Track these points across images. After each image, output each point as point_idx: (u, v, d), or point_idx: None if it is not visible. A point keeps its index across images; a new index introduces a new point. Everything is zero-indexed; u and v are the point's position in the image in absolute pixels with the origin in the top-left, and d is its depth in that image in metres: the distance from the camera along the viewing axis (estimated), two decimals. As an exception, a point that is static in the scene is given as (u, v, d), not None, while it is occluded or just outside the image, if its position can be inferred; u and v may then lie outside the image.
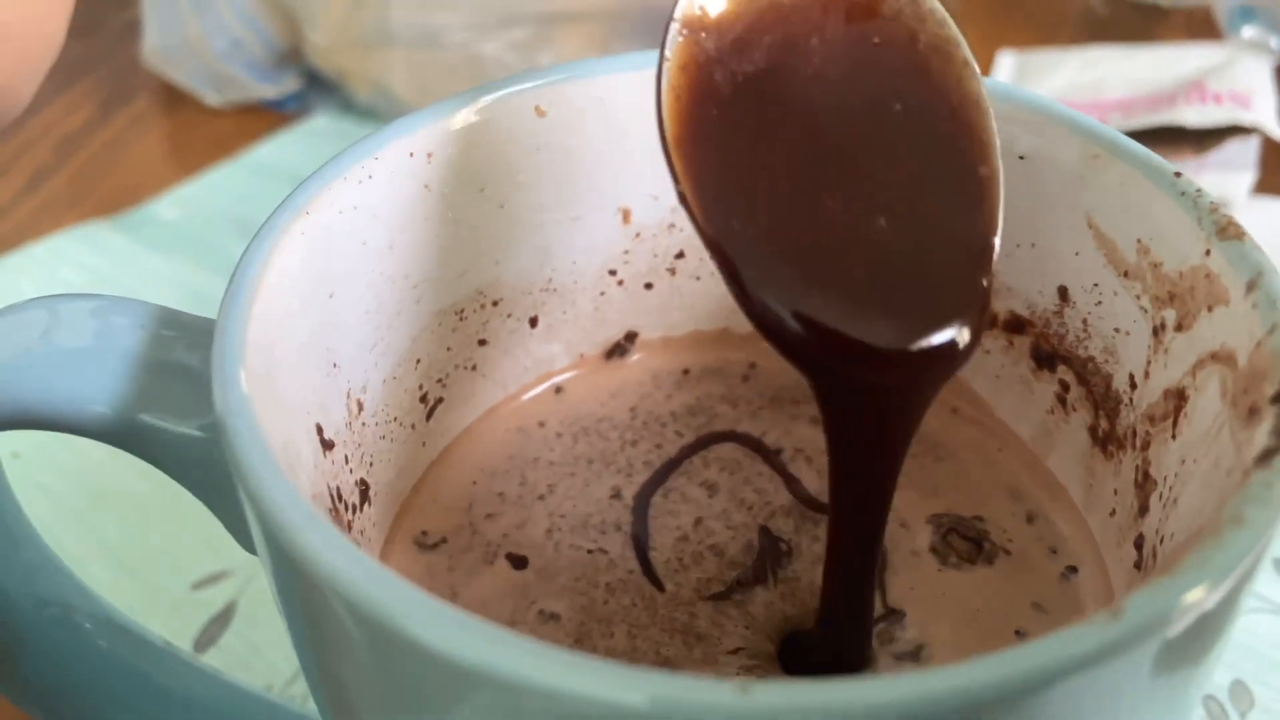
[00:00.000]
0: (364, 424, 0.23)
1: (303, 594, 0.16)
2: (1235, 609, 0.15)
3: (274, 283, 0.19)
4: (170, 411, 0.20)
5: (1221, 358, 0.19)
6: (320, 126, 0.59)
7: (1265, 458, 0.16)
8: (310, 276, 0.20)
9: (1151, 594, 0.14)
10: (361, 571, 0.15)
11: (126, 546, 0.37)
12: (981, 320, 0.18)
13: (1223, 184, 0.47)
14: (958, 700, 0.13)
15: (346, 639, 0.16)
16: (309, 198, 0.21)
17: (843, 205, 0.19)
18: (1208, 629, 0.15)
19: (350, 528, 0.22)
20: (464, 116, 0.23)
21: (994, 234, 0.18)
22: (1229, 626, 0.15)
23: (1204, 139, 0.49)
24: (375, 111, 0.58)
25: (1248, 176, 0.47)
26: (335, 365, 0.21)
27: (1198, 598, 0.14)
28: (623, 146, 0.26)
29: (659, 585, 0.24)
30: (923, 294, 0.18)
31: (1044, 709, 0.13)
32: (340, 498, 0.21)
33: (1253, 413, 0.17)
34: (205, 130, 0.59)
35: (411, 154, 0.23)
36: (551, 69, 0.24)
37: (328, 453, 0.21)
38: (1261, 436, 0.16)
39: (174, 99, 0.61)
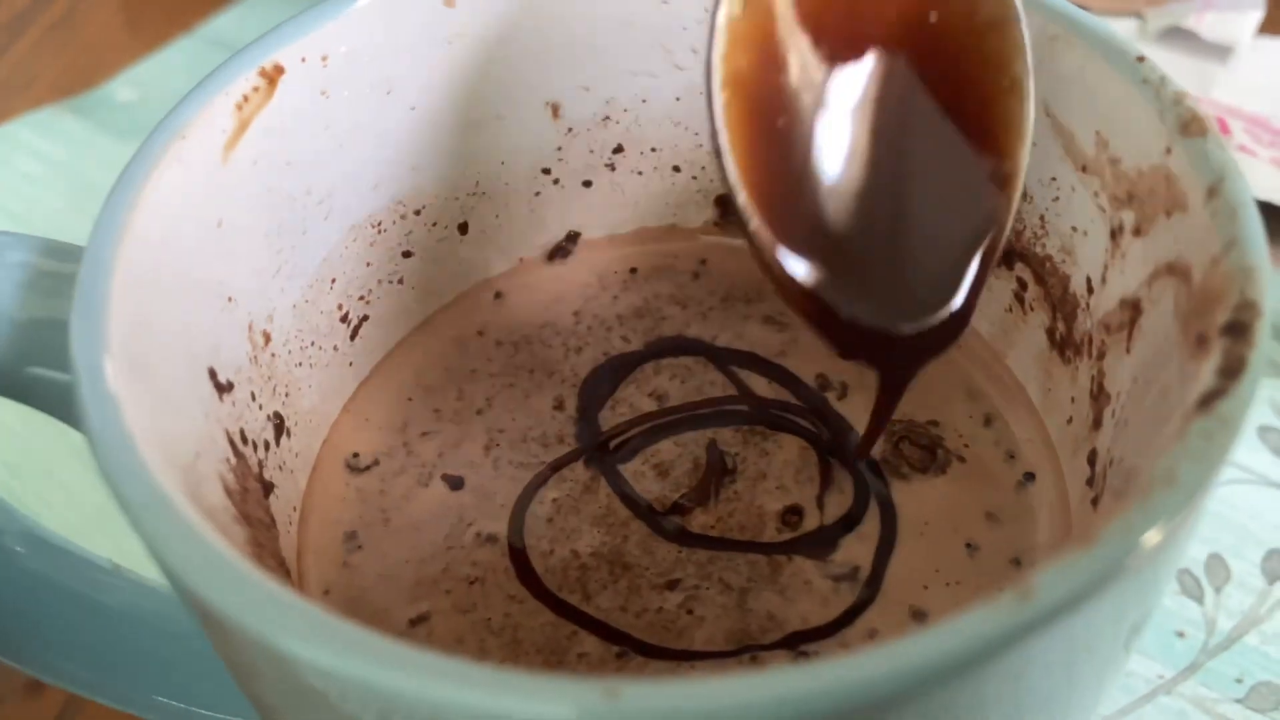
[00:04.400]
0: (273, 355, 0.21)
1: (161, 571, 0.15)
2: (1167, 573, 0.14)
3: (144, 222, 0.18)
4: (57, 361, 0.19)
5: (1178, 271, 0.17)
6: (279, -9, 0.56)
7: (1207, 401, 0.14)
8: (190, 207, 0.19)
9: (1065, 570, 0.13)
10: (198, 557, 0.14)
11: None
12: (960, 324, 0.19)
13: (1228, 24, 0.43)
14: (837, 700, 0.12)
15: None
16: (185, 120, 0.19)
17: (866, 185, 0.20)
18: (1133, 598, 0.13)
19: (262, 467, 0.21)
20: (360, 13, 0.21)
21: (1003, 226, 0.19)
22: (1160, 589, 0.14)
23: (1212, -27, 0.45)
24: (333, -26, 0.55)
25: (1256, 15, 0.44)
26: (230, 299, 0.20)
27: (1118, 572, 0.13)
28: (547, 34, 0.23)
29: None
30: (912, 283, 0.20)
31: (943, 704, 0.12)
32: (245, 440, 0.20)
33: (1201, 342, 0.15)
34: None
35: (304, 59, 0.21)
36: (459, -48, 0.22)
37: (225, 396, 0.19)
38: (1207, 374, 0.15)
39: (124, -33, 0.58)
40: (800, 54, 0.19)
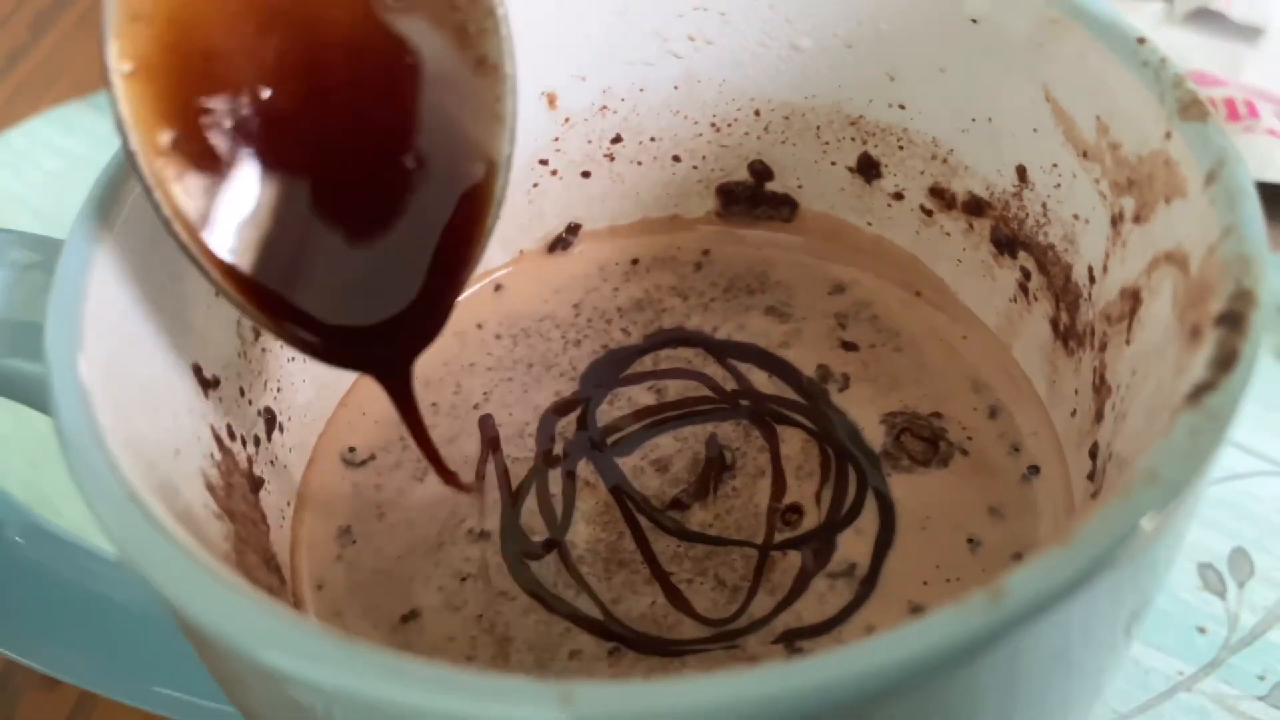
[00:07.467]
0: (264, 350, 0.21)
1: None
2: (1162, 562, 0.14)
3: (127, 214, 0.18)
4: (38, 354, 0.19)
5: (1176, 259, 0.17)
6: (298, -15, 0.56)
7: (1197, 395, 0.14)
8: (174, 202, 0.19)
9: (1040, 571, 0.12)
10: (168, 560, 0.13)
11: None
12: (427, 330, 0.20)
13: (1257, 5, 0.42)
14: (797, 703, 0.11)
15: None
16: (167, 114, 0.19)
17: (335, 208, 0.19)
18: (1120, 592, 0.13)
19: (252, 462, 0.21)
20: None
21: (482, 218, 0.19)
22: (1158, 577, 0.14)
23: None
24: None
25: (1289, -5, 0.43)
26: (216, 294, 0.20)
27: (1096, 572, 0.12)
28: (541, 23, 0.23)
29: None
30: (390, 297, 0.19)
31: (932, 698, 0.12)
32: (232, 435, 0.20)
33: (1195, 333, 0.15)
34: (181, -4, 0.57)
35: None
36: (450, -59, 0.22)
37: (210, 392, 0.19)
38: (1199, 366, 0.14)
39: (147, -37, 0.58)
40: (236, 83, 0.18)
